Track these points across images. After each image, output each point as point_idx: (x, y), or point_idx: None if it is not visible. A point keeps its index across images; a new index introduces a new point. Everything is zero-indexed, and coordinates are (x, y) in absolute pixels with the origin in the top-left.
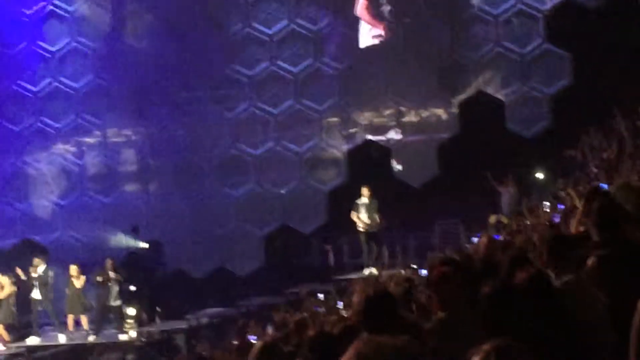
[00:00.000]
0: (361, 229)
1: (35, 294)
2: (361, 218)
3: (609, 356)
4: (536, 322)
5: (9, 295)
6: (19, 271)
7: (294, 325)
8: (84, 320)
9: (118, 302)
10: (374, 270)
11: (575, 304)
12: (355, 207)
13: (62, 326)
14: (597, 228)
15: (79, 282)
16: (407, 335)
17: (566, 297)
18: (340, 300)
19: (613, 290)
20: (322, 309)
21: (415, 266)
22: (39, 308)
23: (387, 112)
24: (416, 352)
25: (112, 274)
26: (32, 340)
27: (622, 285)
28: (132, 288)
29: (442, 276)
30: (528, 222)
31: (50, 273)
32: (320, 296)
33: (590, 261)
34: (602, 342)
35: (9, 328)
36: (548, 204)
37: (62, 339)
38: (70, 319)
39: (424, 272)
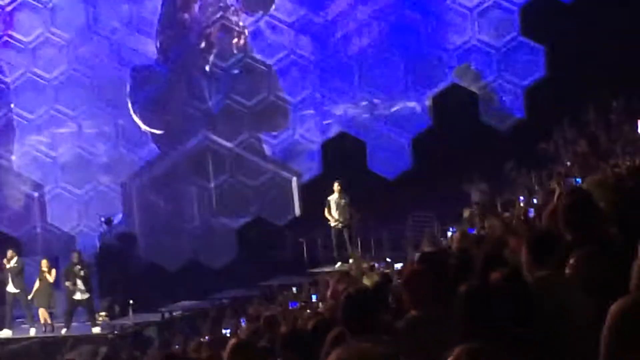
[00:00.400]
0: (332, 225)
1: (10, 288)
2: (332, 215)
3: (590, 357)
4: (512, 321)
5: None
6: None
7: (264, 321)
8: (47, 314)
9: (85, 296)
10: (346, 264)
11: (552, 302)
12: (327, 203)
13: (34, 320)
14: (569, 226)
15: (50, 276)
16: (383, 334)
17: (542, 295)
18: (314, 294)
19: (594, 289)
20: (297, 303)
21: (389, 259)
22: (15, 300)
23: (362, 104)
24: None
25: (77, 268)
26: (5, 334)
27: (603, 284)
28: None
29: (413, 273)
30: (503, 217)
31: (22, 265)
32: (294, 289)
33: (571, 261)
34: (583, 343)
35: None
36: (522, 198)
37: (33, 332)
38: (41, 312)
39: (398, 265)
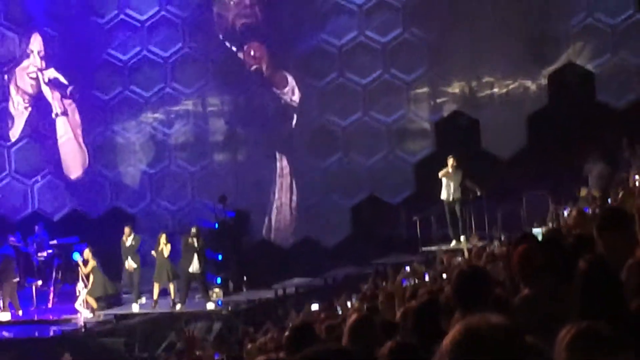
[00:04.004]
0: (445, 201)
1: (130, 263)
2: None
3: None
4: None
5: (93, 269)
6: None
7: (384, 297)
8: (171, 288)
9: (199, 270)
10: (461, 242)
11: None
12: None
13: (148, 295)
14: None
15: (167, 250)
16: (496, 311)
17: None
18: (427, 272)
19: None
20: (410, 281)
21: (502, 238)
22: (131, 276)
23: (475, 83)
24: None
25: (194, 241)
26: (132, 308)
27: None
28: (219, 257)
29: (524, 253)
30: (620, 196)
31: (138, 242)
32: (407, 268)
33: None
34: None
35: (99, 298)
36: (637, 176)
37: (147, 307)
38: (156, 287)
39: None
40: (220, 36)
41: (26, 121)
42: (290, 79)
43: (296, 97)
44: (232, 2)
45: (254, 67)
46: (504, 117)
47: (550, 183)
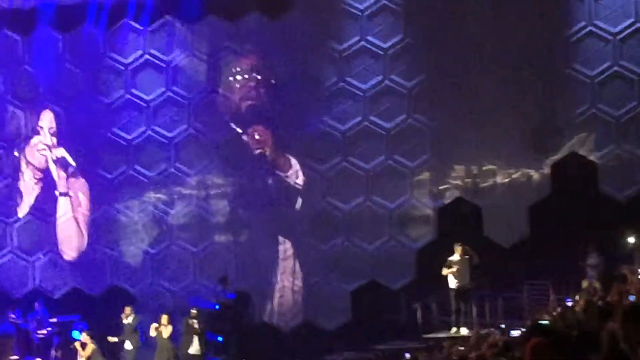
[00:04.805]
0: (451, 287)
1: (127, 345)
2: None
3: None
4: None
5: (93, 352)
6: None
7: None
8: None
9: (199, 352)
10: (462, 330)
11: None
12: (447, 263)
13: None
14: None
15: (167, 331)
16: None
17: None
18: None
19: None
20: None
21: (503, 326)
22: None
23: (478, 170)
24: None
25: (195, 323)
26: None
27: None
28: (220, 339)
29: (537, 346)
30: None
31: (138, 322)
32: (407, 355)
33: None
34: None
35: None
36: None
37: None
38: None
39: (514, 333)
40: (226, 117)
41: (35, 198)
42: (294, 162)
43: (300, 180)
44: (237, 85)
45: (258, 151)
46: (507, 205)
47: (551, 273)
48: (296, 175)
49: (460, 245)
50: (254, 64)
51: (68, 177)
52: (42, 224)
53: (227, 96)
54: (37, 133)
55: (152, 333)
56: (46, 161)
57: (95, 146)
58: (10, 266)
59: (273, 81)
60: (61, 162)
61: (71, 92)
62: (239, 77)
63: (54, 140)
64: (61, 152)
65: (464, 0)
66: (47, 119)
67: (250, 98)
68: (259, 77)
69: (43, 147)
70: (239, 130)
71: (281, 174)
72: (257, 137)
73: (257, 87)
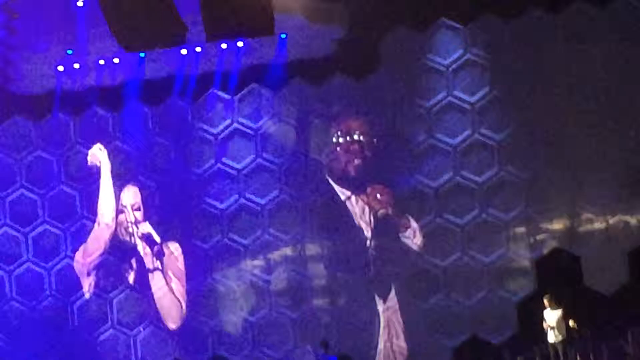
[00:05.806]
0: (550, 341)
1: None
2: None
3: None
4: None
5: None
6: None
7: None
8: None
9: None
10: None
11: None
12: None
13: None
14: None
15: None
16: None
17: None
18: None
19: None
20: None
21: None
22: None
23: (575, 218)
24: None
25: None
26: None
27: None
28: None
29: None
30: None
31: None
32: None
33: None
34: None
35: None
36: None
37: None
38: None
39: None
40: (329, 180)
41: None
42: (412, 221)
43: (418, 240)
44: (339, 148)
45: (381, 211)
46: (605, 253)
47: None
48: (414, 234)
49: (548, 298)
50: (351, 125)
51: (153, 253)
52: (140, 297)
53: (323, 160)
54: (122, 212)
55: None
56: (133, 237)
57: (188, 217)
58: (112, 341)
59: (375, 140)
60: (147, 238)
61: (162, 165)
62: (341, 140)
63: (138, 215)
64: (146, 227)
65: (549, 49)
66: (128, 196)
67: (356, 159)
68: (361, 138)
69: (128, 225)
70: (347, 193)
71: (401, 234)
72: (378, 196)
73: (362, 148)
